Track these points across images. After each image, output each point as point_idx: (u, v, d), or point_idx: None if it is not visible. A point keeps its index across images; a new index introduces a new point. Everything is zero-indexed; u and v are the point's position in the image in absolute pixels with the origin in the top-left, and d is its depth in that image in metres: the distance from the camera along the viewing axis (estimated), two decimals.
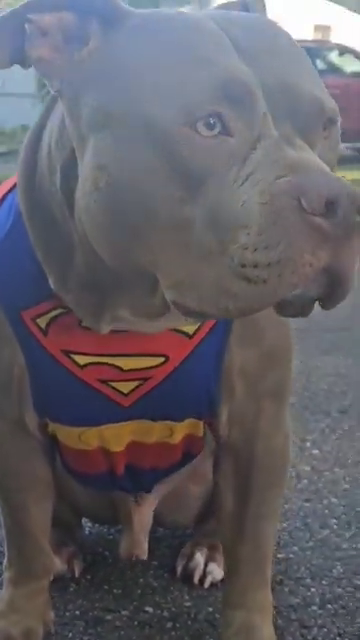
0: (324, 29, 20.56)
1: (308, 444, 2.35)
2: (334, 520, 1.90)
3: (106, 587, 1.62)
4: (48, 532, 1.41)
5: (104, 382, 1.19)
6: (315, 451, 2.30)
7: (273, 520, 1.34)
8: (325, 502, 1.99)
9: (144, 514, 1.56)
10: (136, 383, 1.19)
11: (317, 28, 20.47)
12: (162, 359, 1.17)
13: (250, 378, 1.23)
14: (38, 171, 1.09)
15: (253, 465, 1.29)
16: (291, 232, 0.86)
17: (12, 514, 1.38)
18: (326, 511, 1.95)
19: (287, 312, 0.96)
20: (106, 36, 0.96)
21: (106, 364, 1.17)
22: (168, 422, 1.25)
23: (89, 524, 1.84)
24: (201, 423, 1.27)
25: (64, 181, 1.03)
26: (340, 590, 1.62)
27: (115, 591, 1.61)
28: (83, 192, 0.97)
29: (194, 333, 1.17)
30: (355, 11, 16.84)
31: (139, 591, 1.61)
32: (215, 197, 0.90)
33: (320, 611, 1.55)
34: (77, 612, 1.54)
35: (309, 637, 1.47)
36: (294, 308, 0.95)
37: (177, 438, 1.29)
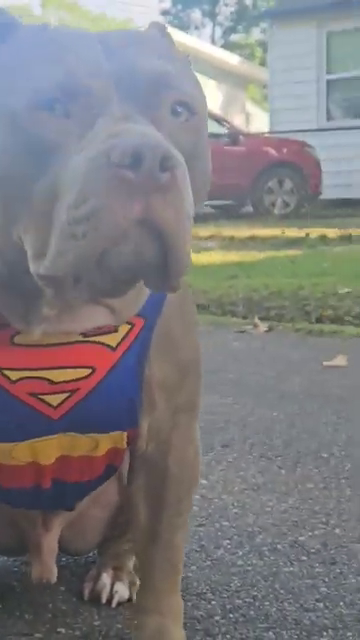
0: None
1: None
2: (227, 541, 2.02)
3: (17, 613, 1.67)
4: None
5: (34, 395, 1.27)
6: (203, 481, 2.41)
7: (184, 529, 1.44)
8: (217, 525, 2.11)
9: (52, 539, 1.63)
10: (65, 395, 1.27)
11: None
12: (89, 370, 1.26)
13: (168, 390, 1.33)
14: None
15: (166, 478, 1.39)
16: (102, 186, 0.99)
17: None
18: (219, 533, 2.06)
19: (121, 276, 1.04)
20: None
21: (37, 378, 1.25)
22: (94, 435, 1.33)
23: None
24: (125, 435, 1.35)
25: None
26: (239, 601, 1.73)
27: (27, 616, 1.66)
28: None
29: (117, 345, 1.27)
30: (210, 77, 17.54)
31: (50, 615, 1.67)
32: (56, 170, 1.04)
33: (223, 620, 1.65)
34: None
35: None
36: (129, 273, 1.04)
37: (101, 451, 1.36)
